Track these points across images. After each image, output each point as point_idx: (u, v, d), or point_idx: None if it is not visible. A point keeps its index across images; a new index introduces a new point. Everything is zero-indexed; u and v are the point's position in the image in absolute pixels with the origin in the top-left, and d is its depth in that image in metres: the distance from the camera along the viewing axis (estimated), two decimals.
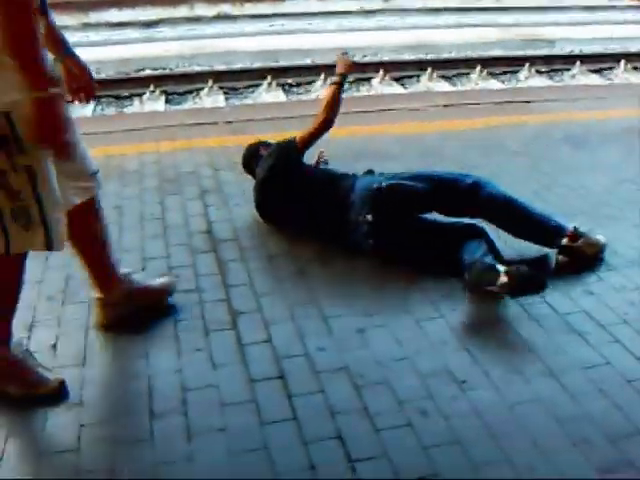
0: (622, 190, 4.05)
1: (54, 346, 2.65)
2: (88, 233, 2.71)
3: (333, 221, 3.32)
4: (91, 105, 7.42)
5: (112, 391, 2.47)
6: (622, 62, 9.27)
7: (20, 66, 1.95)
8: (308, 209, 3.42)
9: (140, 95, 7.77)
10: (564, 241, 3.17)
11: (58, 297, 3.00)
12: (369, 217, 3.17)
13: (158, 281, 2.96)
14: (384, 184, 3.22)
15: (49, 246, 2.28)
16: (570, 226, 3.21)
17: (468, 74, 8.82)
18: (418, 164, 4.09)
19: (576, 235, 3.17)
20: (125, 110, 7.56)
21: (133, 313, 2.80)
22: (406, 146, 4.72)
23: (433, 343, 2.64)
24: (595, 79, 8.94)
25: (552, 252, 3.23)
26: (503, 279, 2.75)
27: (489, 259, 2.92)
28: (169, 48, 9.86)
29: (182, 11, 12.03)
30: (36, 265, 3.20)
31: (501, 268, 2.79)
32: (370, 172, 3.51)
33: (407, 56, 9.41)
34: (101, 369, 2.55)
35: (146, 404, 2.32)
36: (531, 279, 2.79)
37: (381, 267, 3.18)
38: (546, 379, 2.40)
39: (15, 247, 2.24)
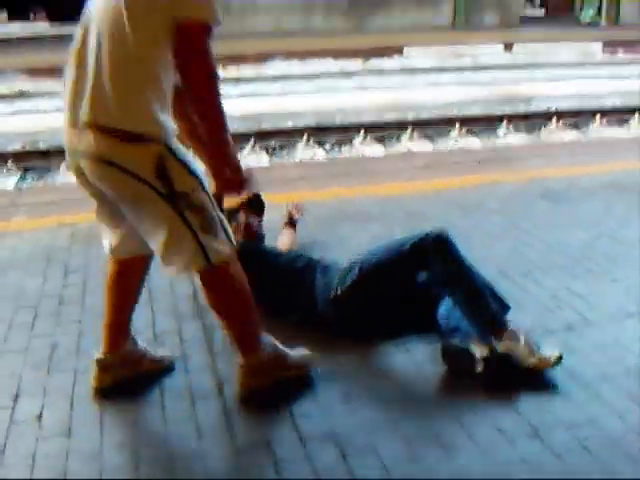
0: (601, 245, 4.13)
1: (39, 416, 2.64)
2: (131, 285, 2.83)
3: (301, 309, 3.33)
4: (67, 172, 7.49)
5: (98, 462, 2.46)
6: (597, 117, 9.47)
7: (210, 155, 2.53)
8: (277, 296, 3.41)
9: None
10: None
11: (43, 366, 2.99)
12: (332, 314, 3.19)
13: (160, 353, 2.99)
14: (339, 291, 3.16)
15: (232, 244, 2.55)
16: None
17: (448, 132, 8.99)
18: (400, 226, 4.17)
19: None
20: None
21: (129, 379, 2.81)
22: (388, 208, 4.78)
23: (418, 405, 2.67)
24: (572, 134, 9.14)
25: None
26: (479, 368, 2.72)
27: (462, 334, 2.89)
28: None
29: None
30: (21, 333, 3.23)
31: (477, 353, 2.74)
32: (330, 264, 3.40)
33: (388, 116, 9.57)
34: (87, 440, 2.54)
35: (133, 475, 2.32)
36: (509, 363, 2.76)
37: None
38: (531, 439, 2.42)
39: (214, 258, 2.47)
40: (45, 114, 9.88)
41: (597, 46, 16.26)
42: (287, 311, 3.34)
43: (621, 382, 2.75)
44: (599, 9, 19.60)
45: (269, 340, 2.77)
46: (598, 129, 9.28)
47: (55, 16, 19.88)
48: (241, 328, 2.69)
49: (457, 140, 8.80)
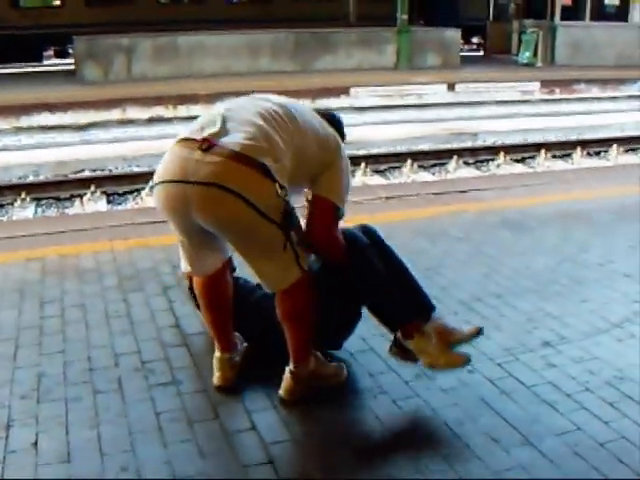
0: (565, 269, 4.29)
1: (35, 444, 2.64)
2: (226, 289, 3.05)
3: None
4: (31, 209, 7.48)
5: None
6: (542, 151, 9.80)
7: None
8: None
9: (81, 196, 7.83)
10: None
11: (32, 395, 2.98)
12: None
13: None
14: None
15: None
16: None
17: (399, 167, 9.19)
18: None
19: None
20: (66, 211, 7.60)
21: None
22: None
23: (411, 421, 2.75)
24: (519, 168, 9.43)
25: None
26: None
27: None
28: (105, 150, 9.99)
29: (115, 114, 12.21)
30: (4, 365, 3.22)
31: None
32: None
33: None
34: (88, 464, 2.54)
35: None
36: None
37: (350, 355, 3.28)
38: (524, 447, 2.53)
39: (304, 265, 2.72)
40: None
41: (535, 85, 16.81)
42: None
43: (601, 392, 2.89)
44: (535, 51, 20.27)
45: (314, 352, 2.92)
46: (544, 162, 9.60)
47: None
48: (304, 337, 2.83)
49: (409, 175, 8.99)
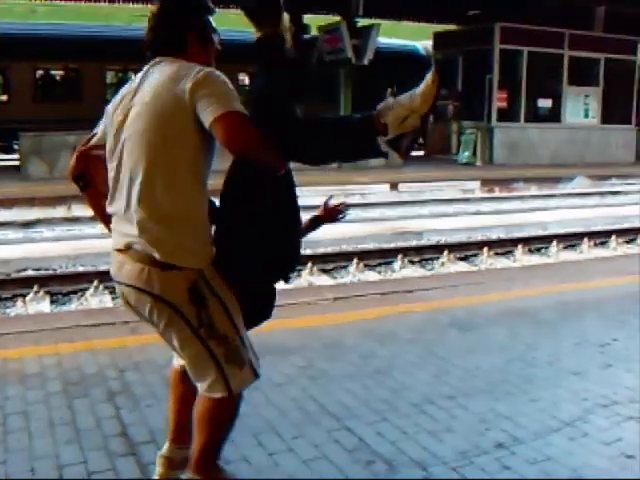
0: (514, 368, 4.33)
1: None
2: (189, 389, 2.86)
3: None
4: None
5: None
6: (485, 249, 10.00)
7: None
8: None
9: (24, 296, 7.67)
10: None
11: None
12: None
13: None
14: None
15: (256, 376, 2.66)
16: None
17: (346, 267, 9.25)
18: (321, 357, 4.26)
19: None
20: (8, 311, 7.43)
21: None
22: (306, 338, 4.87)
23: None
24: (463, 266, 9.57)
25: None
26: None
27: None
28: (49, 248, 9.86)
29: (60, 211, 12.11)
30: None
31: None
32: None
33: None
34: None
35: None
36: None
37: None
38: None
39: (236, 387, 2.58)
40: None
41: (475, 184, 17.28)
42: None
43: None
44: (474, 150, 20.95)
45: (221, 468, 2.81)
46: (487, 260, 9.77)
47: None
48: (209, 448, 2.71)
49: (355, 274, 9.05)
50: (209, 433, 2.68)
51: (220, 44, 2.75)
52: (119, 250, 2.54)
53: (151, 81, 2.55)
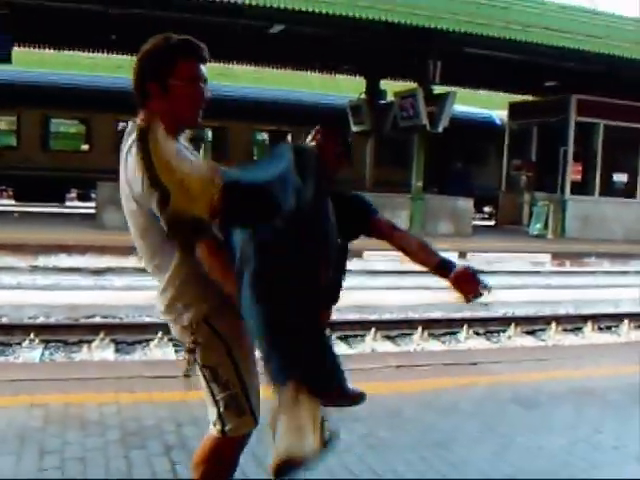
0: (579, 450, 4.20)
1: None
2: None
3: None
4: (39, 350, 7.45)
5: None
6: (553, 324, 9.79)
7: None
8: None
9: (89, 342, 7.80)
10: None
11: None
12: None
13: None
14: None
15: (256, 423, 2.65)
16: None
17: (410, 335, 9.17)
18: (382, 424, 4.20)
19: None
20: (73, 356, 7.56)
21: None
22: (368, 406, 4.80)
23: None
24: (530, 340, 9.38)
25: None
26: None
27: None
28: (118, 297, 10.05)
29: (131, 261, 12.35)
30: None
31: None
32: None
33: (350, 316, 9.73)
34: None
35: None
36: None
37: None
38: None
39: (230, 433, 2.59)
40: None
41: (546, 257, 17.03)
42: None
43: None
44: (546, 223, 20.71)
45: None
46: (555, 335, 9.56)
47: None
48: None
49: (419, 343, 8.95)
50: (202, 471, 2.70)
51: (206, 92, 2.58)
52: None
53: (122, 170, 2.79)
